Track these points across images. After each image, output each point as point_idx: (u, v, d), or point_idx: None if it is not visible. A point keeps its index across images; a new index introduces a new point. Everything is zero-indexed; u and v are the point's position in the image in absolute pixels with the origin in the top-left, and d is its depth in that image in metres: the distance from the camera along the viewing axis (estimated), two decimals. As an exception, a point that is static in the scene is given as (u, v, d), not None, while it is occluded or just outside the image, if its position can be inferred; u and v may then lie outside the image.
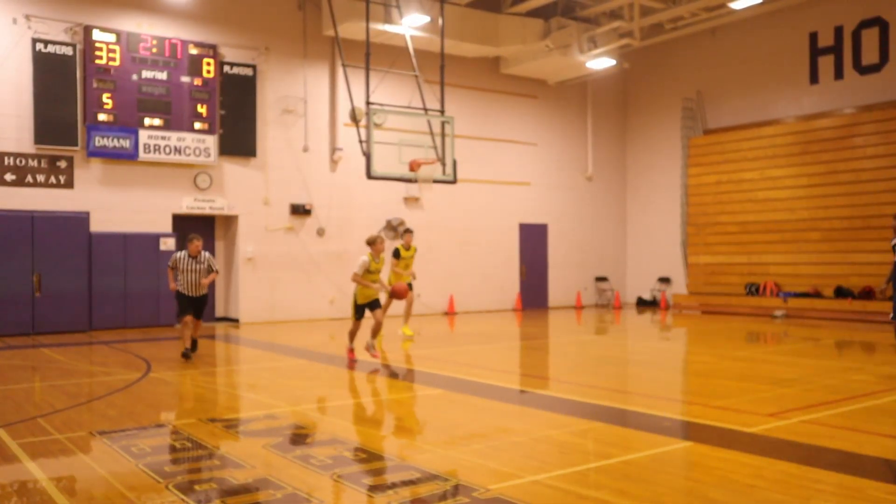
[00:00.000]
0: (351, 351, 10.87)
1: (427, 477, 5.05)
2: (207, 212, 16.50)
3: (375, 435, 6.30)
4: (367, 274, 10.39)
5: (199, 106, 16.09)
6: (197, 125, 16.05)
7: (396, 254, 13.33)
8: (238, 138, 16.74)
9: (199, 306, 11.03)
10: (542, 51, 19.21)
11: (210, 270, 10.95)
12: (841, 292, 17.42)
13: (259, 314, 17.08)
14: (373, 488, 4.81)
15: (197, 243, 10.89)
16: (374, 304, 10.58)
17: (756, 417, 6.75)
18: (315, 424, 6.91)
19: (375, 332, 10.72)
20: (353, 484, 4.90)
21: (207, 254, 11.05)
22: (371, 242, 10.65)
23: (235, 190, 16.83)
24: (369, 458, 5.53)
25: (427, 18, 16.87)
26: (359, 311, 10.58)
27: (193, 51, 16.09)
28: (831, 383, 8.66)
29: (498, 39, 18.85)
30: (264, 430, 6.50)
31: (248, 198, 17.01)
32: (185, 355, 10.70)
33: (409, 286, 13.21)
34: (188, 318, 10.88)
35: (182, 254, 10.86)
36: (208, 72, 16.23)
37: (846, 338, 13.86)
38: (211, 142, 16.22)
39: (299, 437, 6.35)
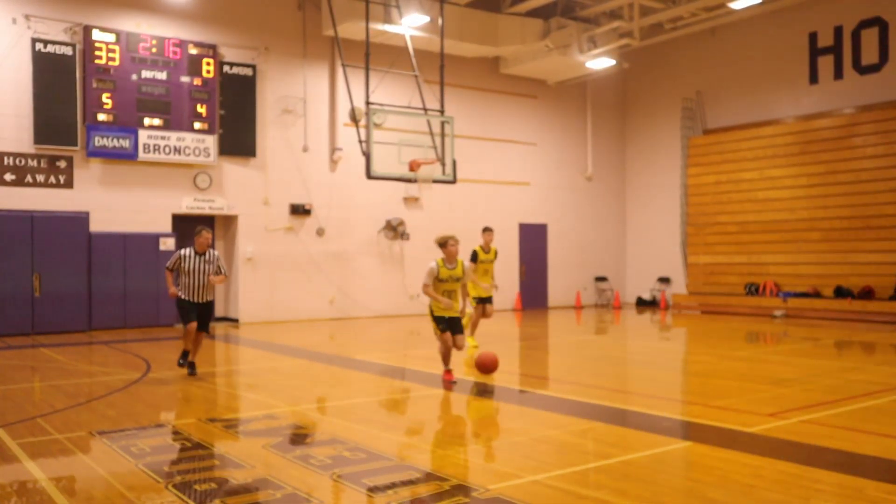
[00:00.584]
0: (448, 373, 8.87)
1: (426, 477, 5.05)
2: (207, 212, 16.50)
3: (375, 435, 6.30)
4: (439, 284, 8.54)
5: (198, 106, 16.09)
6: (196, 125, 16.05)
7: (474, 257, 11.82)
8: (238, 138, 16.73)
9: (204, 315, 9.29)
10: (541, 51, 19.22)
11: (219, 272, 9.31)
12: (840, 292, 17.43)
13: (259, 314, 17.08)
14: (372, 488, 4.81)
15: (206, 236, 9.22)
16: (454, 324, 8.63)
17: (755, 417, 6.75)
18: (314, 424, 6.91)
19: (447, 356, 8.82)
20: (352, 484, 4.90)
21: (216, 252, 9.42)
22: (442, 244, 8.63)
23: (235, 190, 16.83)
24: (369, 458, 5.53)
25: (427, 18, 16.87)
26: (439, 322, 8.65)
27: (193, 51, 16.09)
28: (831, 383, 8.66)
29: (497, 39, 18.86)
30: (264, 430, 6.50)
31: (248, 198, 17.01)
32: (182, 364, 9.33)
33: (489, 299, 11.86)
34: (192, 326, 9.18)
35: (187, 251, 9.18)
36: (208, 72, 16.22)
37: (846, 338, 13.86)
38: (210, 142, 16.22)
39: (299, 437, 6.35)
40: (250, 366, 11.02)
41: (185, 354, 9.39)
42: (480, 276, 11.76)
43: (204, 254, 9.19)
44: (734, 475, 5.01)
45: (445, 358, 8.82)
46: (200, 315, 9.23)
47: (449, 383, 8.67)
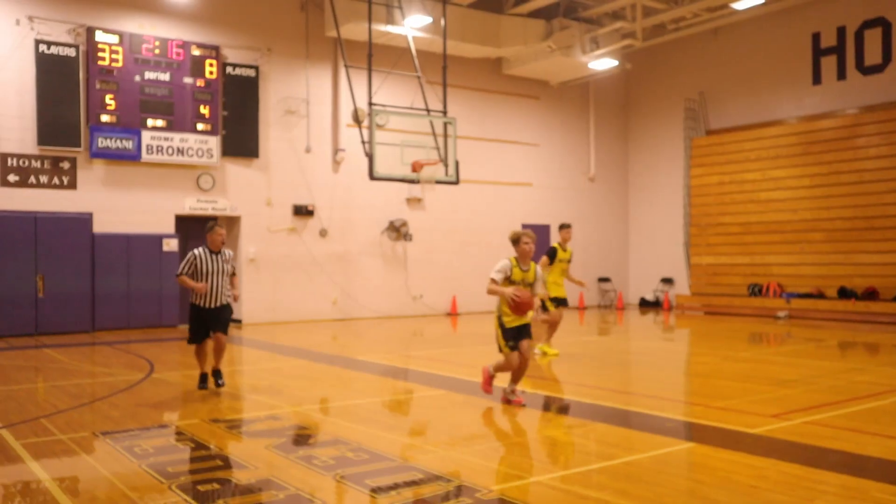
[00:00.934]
0: (513, 396, 7.54)
1: (430, 478, 5.05)
2: (210, 213, 16.51)
3: (378, 435, 6.30)
4: (509, 285, 7.23)
5: (201, 107, 16.11)
6: (199, 126, 16.07)
7: (552, 254, 10.75)
8: (240, 139, 16.75)
9: (220, 319, 8.37)
10: (544, 51, 19.22)
11: (234, 273, 8.46)
12: (844, 293, 17.39)
13: (261, 315, 17.09)
14: (375, 489, 4.81)
15: (220, 231, 8.25)
16: (523, 333, 7.33)
17: (759, 418, 6.74)
18: (317, 425, 6.91)
19: (519, 375, 7.46)
20: (355, 484, 4.90)
21: (230, 252, 8.51)
22: (515, 240, 7.36)
23: (238, 191, 16.85)
24: (371, 458, 5.53)
25: (429, 19, 16.88)
26: (509, 337, 7.29)
27: (196, 52, 16.11)
28: (834, 384, 8.64)
29: (500, 40, 18.86)
30: (267, 430, 6.50)
31: (251, 199, 17.02)
32: (202, 387, 8.42)
33: (565, 301, 10.95)
34: (205, 344, 8.43)
35: (200, 252, 8.21)
36: (211, 73, 16.24)
37: (849, 339, 13.83)
38: (213, 143, 16.23)
39: (302, 437, 6.35)
40: (253, 366, 11.02)
41: (203, 378, 8.49)
42: (557, 276, 10.84)
43: (219, 252, 8.28)
44: (737, 476, 5.00)
45: (506, 370, 7.48)
46: (214, 319, 8.32)
47: (518, 405, 7.39)
